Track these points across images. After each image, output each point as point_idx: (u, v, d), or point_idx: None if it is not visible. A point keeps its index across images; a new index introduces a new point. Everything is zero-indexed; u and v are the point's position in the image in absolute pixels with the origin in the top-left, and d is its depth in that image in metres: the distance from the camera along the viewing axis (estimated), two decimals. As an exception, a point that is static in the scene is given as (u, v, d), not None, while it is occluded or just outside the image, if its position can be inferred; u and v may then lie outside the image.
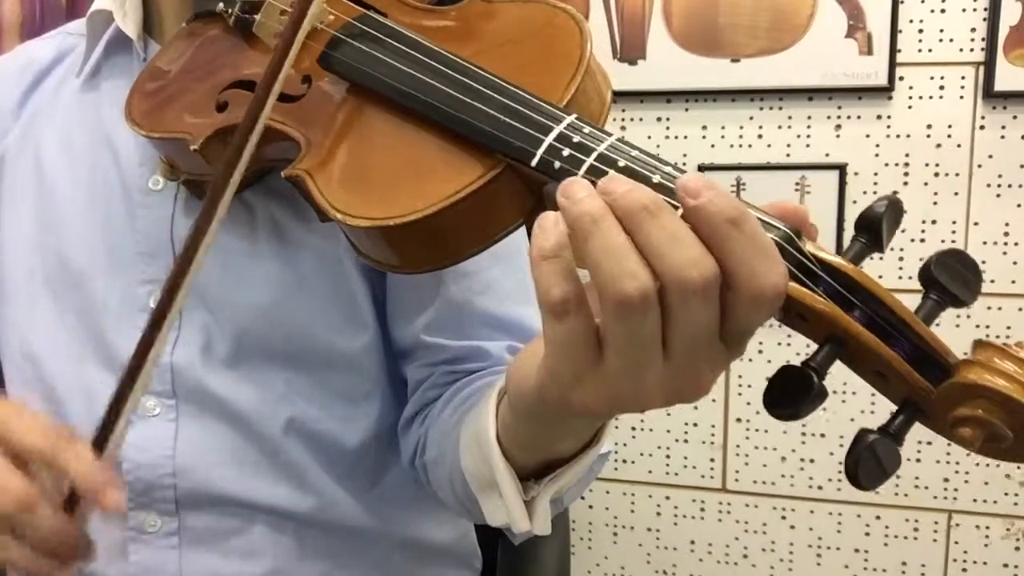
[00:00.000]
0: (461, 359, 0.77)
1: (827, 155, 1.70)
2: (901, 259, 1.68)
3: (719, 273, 0.41)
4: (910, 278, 1.68)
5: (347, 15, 0.63)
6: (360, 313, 0.77)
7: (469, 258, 0.54)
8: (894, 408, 0.46)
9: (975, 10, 1.61)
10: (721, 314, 0.42)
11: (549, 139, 0.49)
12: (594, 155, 0.47)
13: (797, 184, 1.71)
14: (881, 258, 1.73)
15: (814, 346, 0.46)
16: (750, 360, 1.72)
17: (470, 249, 0.53)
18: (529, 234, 0.49)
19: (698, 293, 0.41)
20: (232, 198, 0.57)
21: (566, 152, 0.48)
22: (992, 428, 0.42)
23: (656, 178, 0.46)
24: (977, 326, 1.66)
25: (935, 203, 1.67)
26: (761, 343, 1.74)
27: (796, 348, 1.70)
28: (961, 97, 1.64)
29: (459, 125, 0.52)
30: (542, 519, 0.60)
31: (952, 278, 0.44)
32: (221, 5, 0.72)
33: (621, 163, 0.46)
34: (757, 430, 1.77)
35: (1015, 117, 1.62)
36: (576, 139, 0.48)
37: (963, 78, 1.63)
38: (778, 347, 1.72)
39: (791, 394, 0.44)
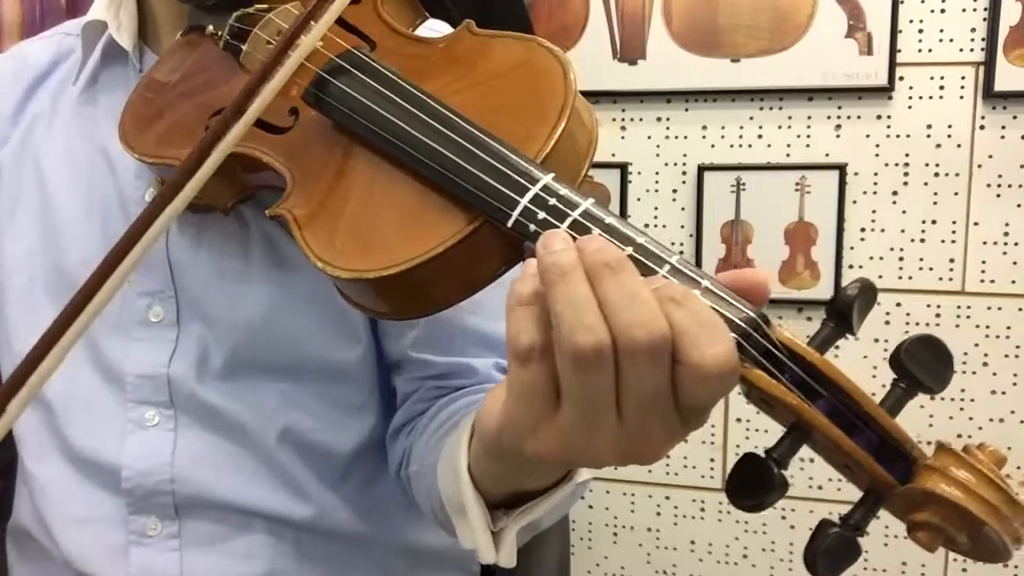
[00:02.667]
0: (448, 375, 0.77)
1: (827, 155, 1.70)
2: (901, 259, 1.68)
3: (669, 338, 0.42)
4: (910, 278, 1.68)
5: (333, 50, 0.62)
6: (353, 327, 0.77)
7: (453, 305, 0.54)
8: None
9: (975, 10, 1.61)
10: (673, 384, 0.43)
11: (524, 201, 0.49)
12: (568, 221, 0.47)
13: (797, 184, 1.71)
14: (882, 258, 1.73)
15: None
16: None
17: (453, 298, 0.54)
18: None
19: (644, 352, 0.41)
20: (188, 200, 0.55)
21: (541, 215, 0.48)
22: (947, 534, 0.44)
23: (628, 250, 0.46)
24: (977, 326, 1.66)
25: (935, 203, 1.67)
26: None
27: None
28: (961, 97, 1.64)
29: (439, 178, 0.52)
30: (508, 550, 0.60)
31: (921, 367, 0.45)
32: (211, 28, 0.71)
33: (595, 231, 0.47)
34: (757, 430, 1.77)
35: (1015, 117, 1.62)
36: (551, 202, 0.48)
37: (963, 78, 1.63)
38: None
39: (753, 486, 0.44)
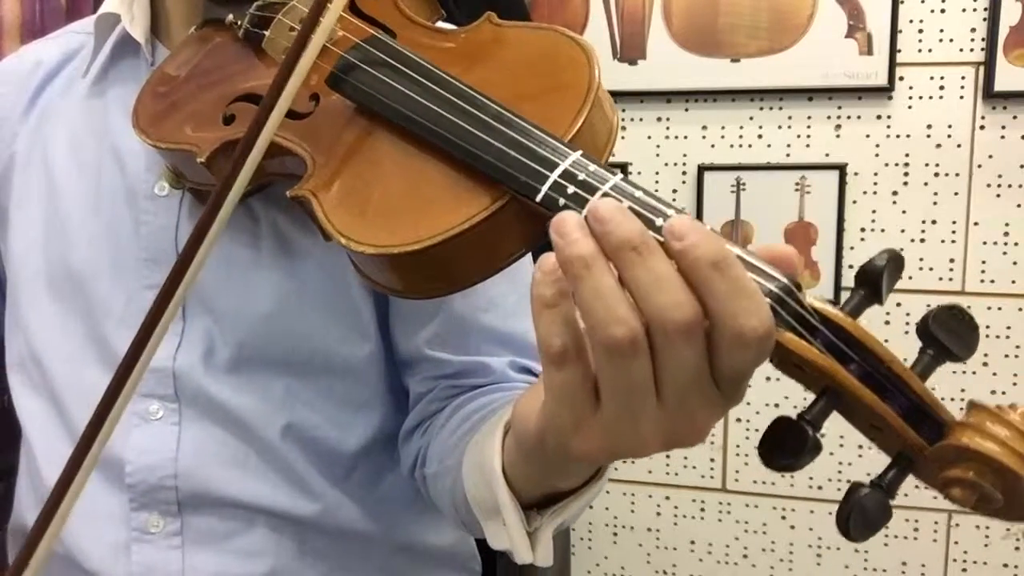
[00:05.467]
0: (463, 374, 0.77)
1: (827, 155, 1.70)
2: (901, 259, 1.68)
3: (701, 315, 0.42)
4: (910, 278, 1.68)
5: (356, 36, 0.63)
6: (362, 323, 0.77)
7: (472, 286, 0.54)
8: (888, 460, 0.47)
9: (975, 10, 1.61)
10: (710, 357, 0.43)
11: (554, 175, 0.49)
12: (599, 194, 0.47)
13: (797, 184, 1.71)
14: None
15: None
16: (750, 360, 1.73)
17: (474, 277, 0.53)
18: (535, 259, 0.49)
19: (681, 333, 0.41)
20: (232, 211, 0.57)
21: (571, 189, 0.48)
22: (982, 491, 0.43)
23: (659, 221, 0.45)
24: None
25: (935, 203, 1.67)
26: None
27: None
28: (961, 97, 1.64)
29: (466, 156, 0.52)
30: (545, 550, 0.60)
31: (949, 335, 0.45)
32: (230, 17, 0.71)
33: (625, 204, 0.46)
34: (757, 430, 1.77)
35: (1015, 117, 1.62)
36: (581, 176, 0.48)
37: (963, 78, 1.63)
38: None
39: (786, 448, 0.44)
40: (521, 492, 0.58)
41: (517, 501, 0.58)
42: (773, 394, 1.65)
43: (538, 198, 0.49)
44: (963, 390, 1.66)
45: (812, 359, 0.44)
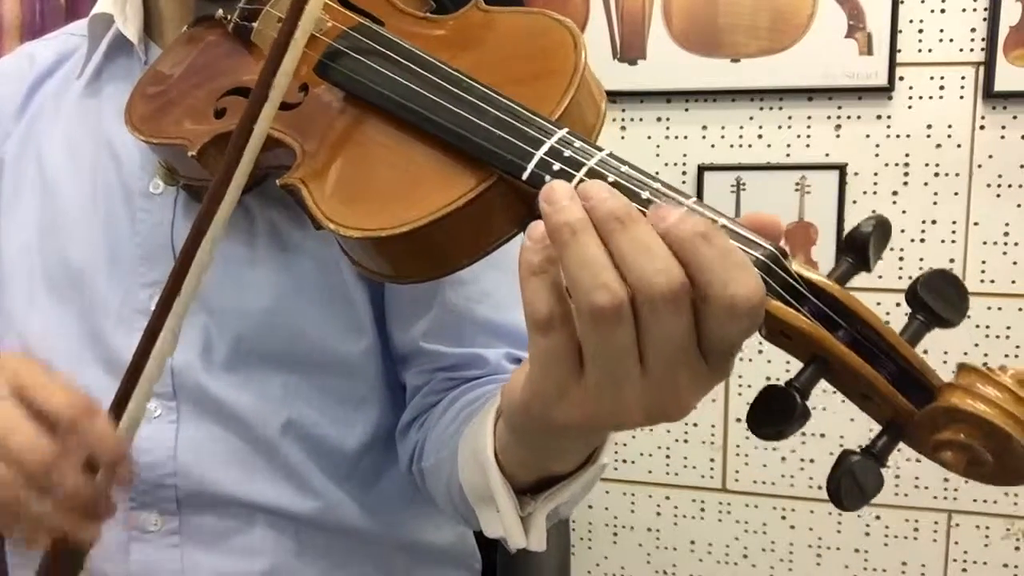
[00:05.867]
0: (459, 366, 0.77)
1: (827, 155, 1.70)
2: (901, 259, 1.68)
3: (687, 282, 0.41)
4: (910, 278, 1.68)
5: (344, 24, 0.63)
6: (359, 318, 0.77)
7: (463, 268, 0.54)
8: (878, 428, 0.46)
9: (975, 10, 1.61)
10: (699, 328, 0.43)
11: (540, 153, 0.49)
12: (584, 169, 0.47)
13: (797, 184, 1.71)
14: (882, 259, 1.75)
15: None
16: (750, 360, 1.72)
17: (464, 260, 0.54)
18: None
19: (667, 302, 0.41)
20: (231, 212, 0.57)
21: (557, 166, 0.48)
22: (973, 452, 0.43)
23: (645, 194, 0.46)
24: (977, 326, 1.66)
25: (935, 203, 1.67)
26: (761, 342, 1.74)
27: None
28: (961, 97, 1.64)
29: (452, 137, 0.53)
30: (538, 535, 0.60)
31: (939, 299, 0.44)
32: (220, 12, 0.72)
33: (611, 178, 0.47)
34: (757, 430, 1.77)
35: (1015, 117, 1.62)
36: (567, 153, 0.48)
37: (963, 78, 1.63)
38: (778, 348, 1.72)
39: (774, 415, 0.44)
40: (514, 477, 0.59)
41: (510, 486, 0.59)
42: (773, 394, 1.64)
43: (524, 176, 0.49)
44: (963, 390, 1.65)
45: (800, 327, 0.43)
